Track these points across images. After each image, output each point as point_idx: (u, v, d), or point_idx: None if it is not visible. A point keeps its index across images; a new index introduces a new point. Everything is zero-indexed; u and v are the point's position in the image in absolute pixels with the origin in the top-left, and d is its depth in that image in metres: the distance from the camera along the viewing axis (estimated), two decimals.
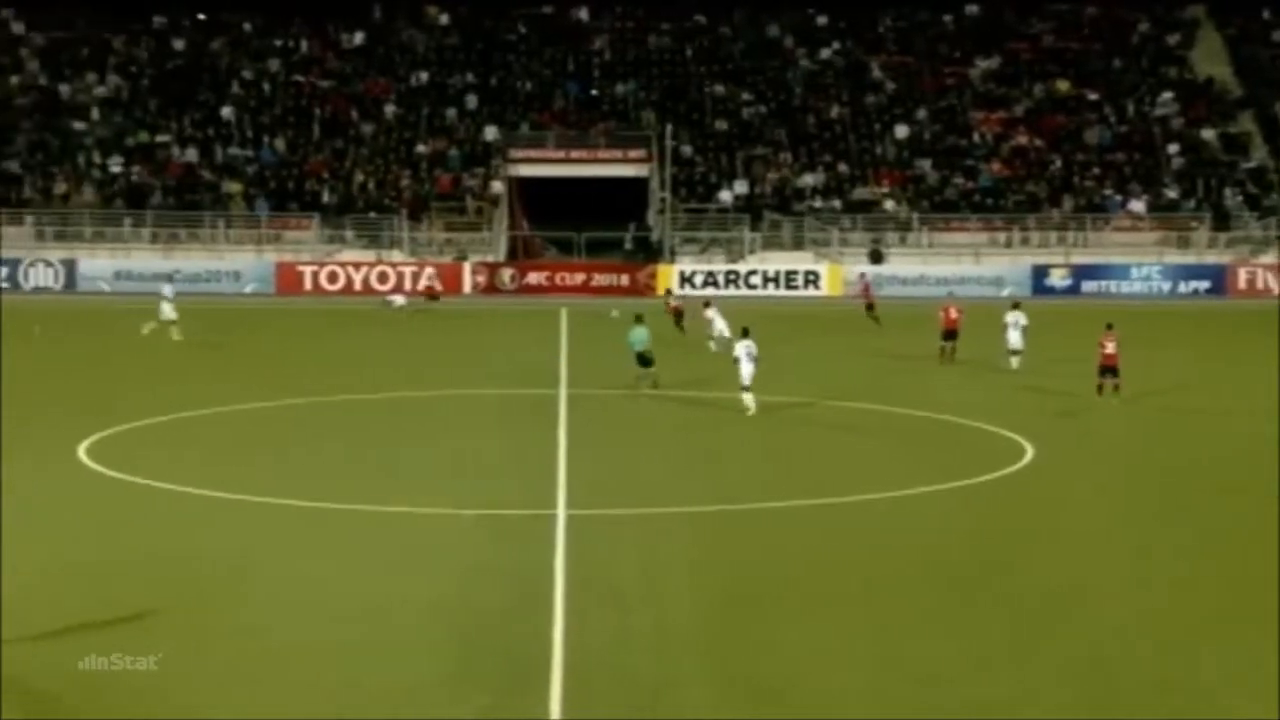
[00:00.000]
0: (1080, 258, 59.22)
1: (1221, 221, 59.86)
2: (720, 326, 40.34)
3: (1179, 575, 20.76)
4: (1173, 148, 63.77)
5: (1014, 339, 37.43)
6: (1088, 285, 57.98)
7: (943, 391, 35.08)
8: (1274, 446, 27.96)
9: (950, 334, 39.10)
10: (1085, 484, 25.90)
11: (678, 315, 45.52)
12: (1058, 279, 58.25)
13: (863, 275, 53.24)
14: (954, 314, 39.27)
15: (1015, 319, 37.67)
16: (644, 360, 34.16)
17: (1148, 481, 26.37)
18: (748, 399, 31.30)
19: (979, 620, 18.65)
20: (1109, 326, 33.77)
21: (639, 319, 35.34)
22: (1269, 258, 58.08)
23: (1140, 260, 58.57)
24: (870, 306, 47.38)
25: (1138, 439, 29.89)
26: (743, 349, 31.99)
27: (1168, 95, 66.11)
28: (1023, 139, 65.37)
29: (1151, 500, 25.17)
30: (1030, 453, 27.98)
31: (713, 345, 40.00)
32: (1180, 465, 27.64)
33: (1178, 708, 15.76)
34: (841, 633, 18.09)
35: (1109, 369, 33.17)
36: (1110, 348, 33.23)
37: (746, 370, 31.45)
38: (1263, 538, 22.16)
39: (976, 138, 65.96)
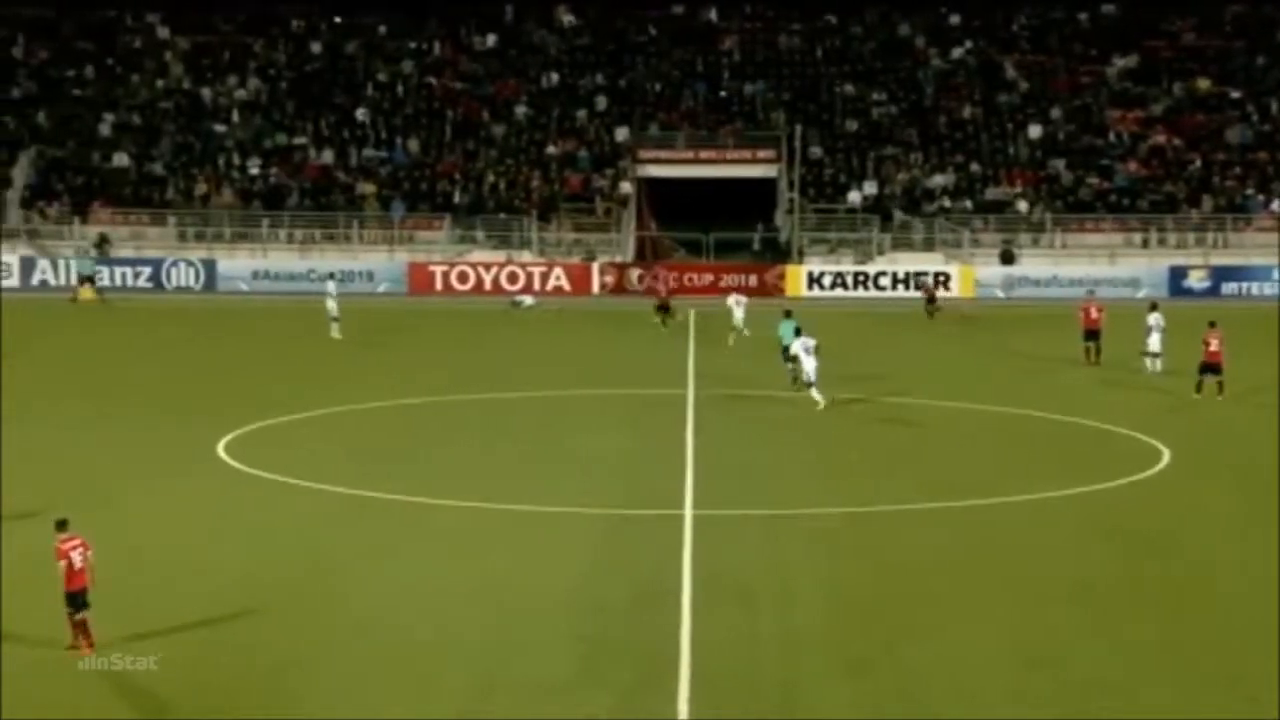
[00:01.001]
0: (1219, 259, 57.74)
1: None
2: (740, 317, 40.90)
3: None
4: None
5: (1153, 342, 36.77)
6: (1227, 287, 56.52)
7: (1077, 394, 34.46)
8: None
9: (1092, 334, 38.43)
10: (1221, 488, 25.23)
11: (663, 307, 45.88)
12: (1196, 281, 56.85)
13: (926, 276, 55.01)
14: (1094, 313, 38.60)
15: (1156, 320, 36.96)
16: (786, 355, 34.05)
17: None
18: (816, 394, 31.08)
19: (1120, 627, 18.26)
20: (1212, 324, 33.12)
21: (788, 314, 35.57)
22: None
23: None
24: (931, 300, 50.13)
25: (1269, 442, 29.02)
26: (800, 345, 31.90)
27: None
28: (1160, 138, 63.95)
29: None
30: (1167, 456, 27.36)
31: (731, 339, 40.20)
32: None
33: None
34: (979, 637, 17.82)
35: (1211, 367, 32.62)
36: (1214, 345, 32.76)
37: (809, 366, 31.24)
38: None
39: (1112, 137, 64.64)
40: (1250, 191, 60.97)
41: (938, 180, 63.34)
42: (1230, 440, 29.30)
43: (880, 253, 60.07)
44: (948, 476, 26.37)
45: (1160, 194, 61.31)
